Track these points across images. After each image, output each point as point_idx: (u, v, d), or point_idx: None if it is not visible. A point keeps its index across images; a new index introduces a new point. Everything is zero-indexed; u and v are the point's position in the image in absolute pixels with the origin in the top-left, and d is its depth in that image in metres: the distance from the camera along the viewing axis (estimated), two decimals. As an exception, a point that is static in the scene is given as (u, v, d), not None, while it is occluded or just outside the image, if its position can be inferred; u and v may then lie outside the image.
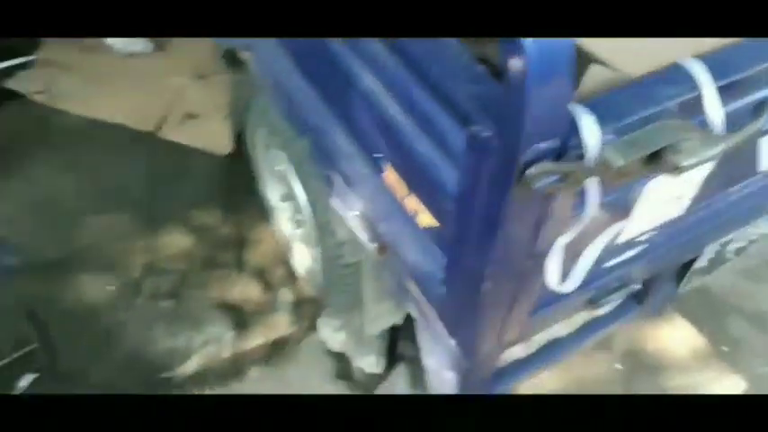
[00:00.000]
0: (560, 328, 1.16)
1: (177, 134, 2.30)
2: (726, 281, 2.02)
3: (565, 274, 0.82)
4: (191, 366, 1.86)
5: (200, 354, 1.88)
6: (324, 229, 1.55)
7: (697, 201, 0.91)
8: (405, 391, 1.80)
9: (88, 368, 1.84)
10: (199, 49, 2.54)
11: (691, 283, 1.26)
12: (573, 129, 0.64)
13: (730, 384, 1.82)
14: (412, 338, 1.91)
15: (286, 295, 2.02)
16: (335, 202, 1.22)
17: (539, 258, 0.78)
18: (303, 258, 1.94)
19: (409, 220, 0.95)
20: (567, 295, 0.96)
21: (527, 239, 0.73)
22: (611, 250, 0.89)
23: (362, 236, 1.15)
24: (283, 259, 2.09)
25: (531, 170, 0.64)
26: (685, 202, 0.90)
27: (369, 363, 1.80)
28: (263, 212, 2.17)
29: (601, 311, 1.17)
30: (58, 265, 2.03)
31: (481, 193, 0.70)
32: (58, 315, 1.92)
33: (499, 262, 0.76)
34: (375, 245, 1.07)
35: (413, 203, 0.92)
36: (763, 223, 1.22)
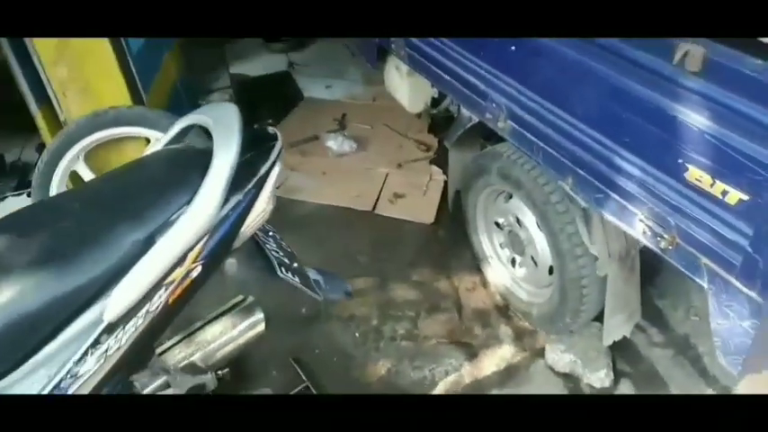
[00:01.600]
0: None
1: (389, 210, 2.66)
2: None
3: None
4: (438, 391, 2.11)
5: (444, 382, 2.13)
6: (566, 255, 1.82)
7: None
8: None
9: (353, 398, 2.13)
10: (392, 146, 3.01)
11: None
12: None
13: None
14: (630, 356, 2.12)
15: (506, 330, 2.27)
16: (608, 217, 1.52)
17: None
18: (522, 295, 2.21)
19: (713, 203, 1.23)
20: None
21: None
22: None
23: (644, 238, 1.43)
24: (495, 302, 2.36)
25: None
26: None
27: (598, 378, 1.98)
28: (469, 266, 2.48)
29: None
30: (311, 319, 2.38)
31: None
32: (317, 359, 2.23)
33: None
34: (666, 236, 1.35)
35: (720, 189, 1.20)
36: None
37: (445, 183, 2.73)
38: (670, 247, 1.35)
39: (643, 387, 2.00)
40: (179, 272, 1.15)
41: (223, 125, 1.21)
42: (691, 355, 2.07)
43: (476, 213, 2.24)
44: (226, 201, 1.18)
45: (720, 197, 1.19)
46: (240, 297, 1.76)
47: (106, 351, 1.11)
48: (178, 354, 1.68)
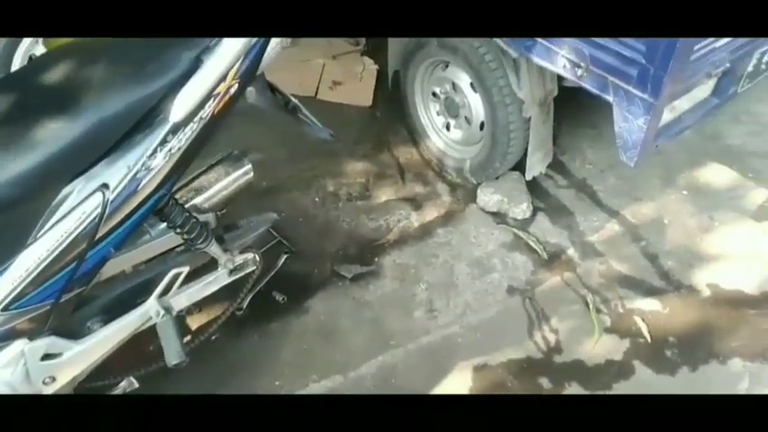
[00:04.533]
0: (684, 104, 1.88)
1: (330, 95, 2.93)
2: (739, 139, 2.83)
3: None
4: (393, 235, 2.49)
5: (398, 227, 2.50)
6: (497, 106, 2.22)
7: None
8: (552, 227, 2.48)
9: (321, 246, 2.45)
10: (322, 41, 3.25)
11: (743, 86, 2.02)
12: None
13: (757, 193, 2.59)
14: (543, 196, 2.61)
15: (442, 187, 2.68)
16: (536, 60, 1.93)
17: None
18: (455, 154, 2.61)
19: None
20: (705, 59, 1.68)
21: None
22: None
23: (564, 71, 1.85)
24: (431, 166, 2.75)
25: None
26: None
27: (521, 210, 2.45)
28: (405, 141, 2.84)
29: (702, 95, 1.91)
30: (272, 190, 2.65)
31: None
32: (284, 220, 2.51)
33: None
34: (582, 65, 1.77)
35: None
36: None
37: (378, 71, 3.04)
38: (585, 75, 1.78)
39: (554, 217, 2.50)
40: (223, 86, 1.39)
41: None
42: (588, 191, 2.60)
43: (414, 87, 2.59)
44: (253, 30, 1.43)
45: (623, 25, 1.62)
46: (229, 150, 2.00)
47: (170, 150, 1.35)
48: (181, 198, 1.91)
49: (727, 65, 1.79)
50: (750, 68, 1.96)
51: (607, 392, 1.95)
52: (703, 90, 1.91)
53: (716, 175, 2.66)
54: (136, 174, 1.32)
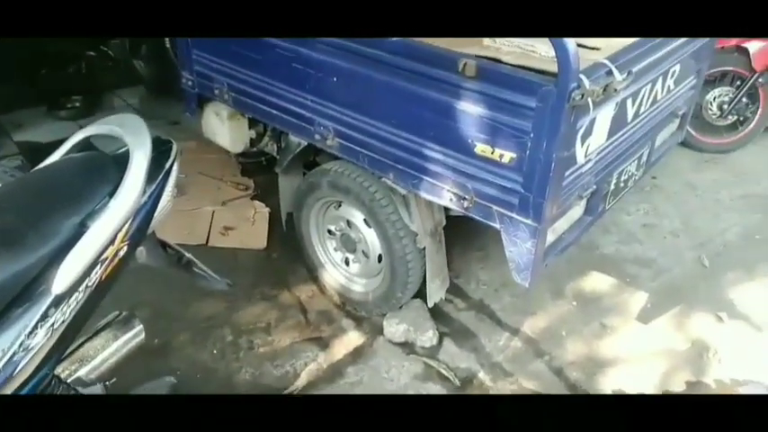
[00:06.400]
0: (564, 225, 2.03)
1: (222, 241, 2.87)
2: (612, 248, 3.08)
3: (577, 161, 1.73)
4: (302, 381, 2.37)
5: (306, 371, 2.40)
6: (392, 239, 2.28)
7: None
8: (459, 352, 2.48)
9: (224, 404, 2.26)
10: (211, 188, 3.24)
11: (609, 203, 2.23)
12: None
13: (638, 297, 2.78)
14: (445, 321, 2.64)
15: (347, 322, 2.63)
16: (424, 195, 2.02)
17: (571, 149, 1.68)
18: (357, 288, 2.61)
19: (495, 165, 1.79)
20: (575, 183, 1.85)
21: (570, 139, 1.62)
22: (586, 161, 1.83)
23: (451, 204, 1.95)
24: (333, 302, 2.72)
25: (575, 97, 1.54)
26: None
27: (428, 338, 2.45)
28: (305, 279, 2.81)
29: (576, 215, 2.08)
30: (165, 347, 2.46)
31: (548, 120, 1.59)
32: (181, 379, 2.32)
33: (558, 157, 1.63)
34: (467, 197, 1.88)
35: (498, 154, 1.77)
36: (631, 165, 2.27)
37: (270, 213, 3.06)
38: (470, 206, 1.88)
39: (460, 341, 2.52)
40: (111, 250, 1.32)
41: (133, 129, 1.43)
42: (487, 312, 2.67)
43: (309, 227, 2.61)
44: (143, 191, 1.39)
45: (499, 160, 1.76)
46: (117, 312, 1.86)
47: (53, 324, 1.23)
48: (63, 372, 1.72)
49: (594, 186, 1.98)
50: (612, 187, 2.19)
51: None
52: (577, 211, 2.09)
53: (598, 283, 2.84)
54: (12, 356, 1.17)
